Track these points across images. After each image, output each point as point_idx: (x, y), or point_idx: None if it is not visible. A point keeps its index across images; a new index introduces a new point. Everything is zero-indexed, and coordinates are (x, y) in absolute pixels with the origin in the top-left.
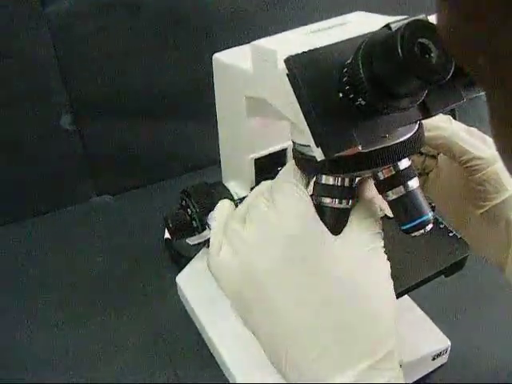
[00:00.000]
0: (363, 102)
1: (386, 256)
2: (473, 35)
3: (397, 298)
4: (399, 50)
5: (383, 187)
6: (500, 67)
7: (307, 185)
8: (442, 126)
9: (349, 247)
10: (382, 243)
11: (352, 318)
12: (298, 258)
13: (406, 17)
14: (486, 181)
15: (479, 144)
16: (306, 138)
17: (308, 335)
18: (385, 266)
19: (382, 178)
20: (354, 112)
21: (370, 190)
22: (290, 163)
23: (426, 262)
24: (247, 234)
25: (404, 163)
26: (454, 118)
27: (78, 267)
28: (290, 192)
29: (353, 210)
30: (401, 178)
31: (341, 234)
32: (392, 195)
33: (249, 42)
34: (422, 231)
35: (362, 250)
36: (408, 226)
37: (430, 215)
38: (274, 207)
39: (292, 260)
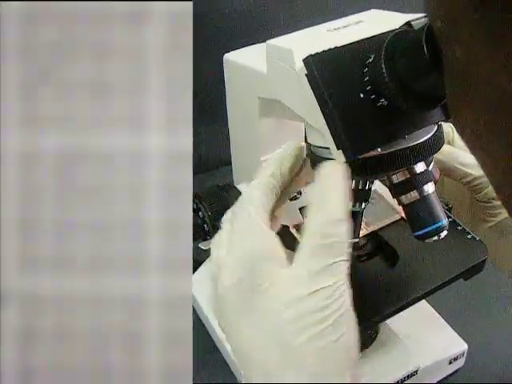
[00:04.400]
0: (386, 103)
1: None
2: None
3: (416, 302)
4: (425, 49)
5: (397, 191)
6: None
7: (273, 208)
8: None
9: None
10: (334, 281)
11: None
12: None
13: (425, 14)
14: (491, 198)
15: None
16: (326, 140)
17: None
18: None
19: (395, 181)
20: (375, 113)
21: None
22: (256, 185)
23: (444, 265)
24: (220, 262)
25: (420, 166)
26: None
27: None
28: (243, 223)
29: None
30: (415, 181)
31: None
32: (405, 200)
33: (259, 42)
34: (436, 238)
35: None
36: (420, 232)
37: (444, 222)
38: (231, 237)
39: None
